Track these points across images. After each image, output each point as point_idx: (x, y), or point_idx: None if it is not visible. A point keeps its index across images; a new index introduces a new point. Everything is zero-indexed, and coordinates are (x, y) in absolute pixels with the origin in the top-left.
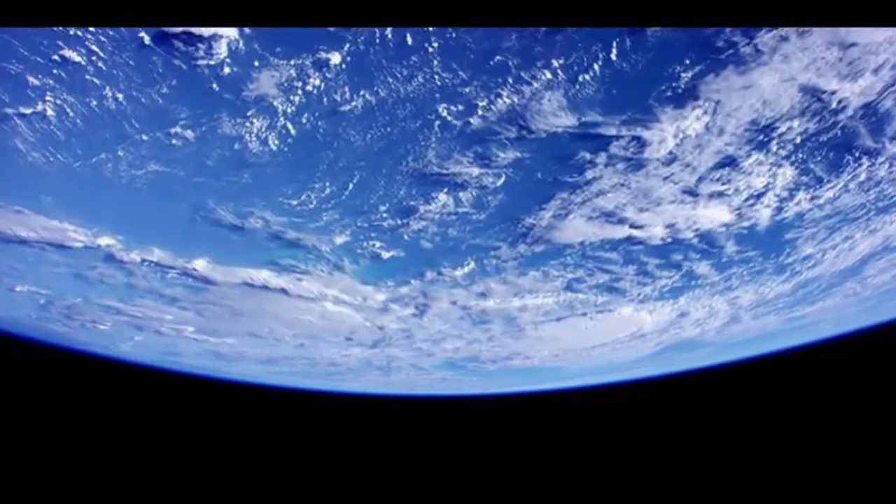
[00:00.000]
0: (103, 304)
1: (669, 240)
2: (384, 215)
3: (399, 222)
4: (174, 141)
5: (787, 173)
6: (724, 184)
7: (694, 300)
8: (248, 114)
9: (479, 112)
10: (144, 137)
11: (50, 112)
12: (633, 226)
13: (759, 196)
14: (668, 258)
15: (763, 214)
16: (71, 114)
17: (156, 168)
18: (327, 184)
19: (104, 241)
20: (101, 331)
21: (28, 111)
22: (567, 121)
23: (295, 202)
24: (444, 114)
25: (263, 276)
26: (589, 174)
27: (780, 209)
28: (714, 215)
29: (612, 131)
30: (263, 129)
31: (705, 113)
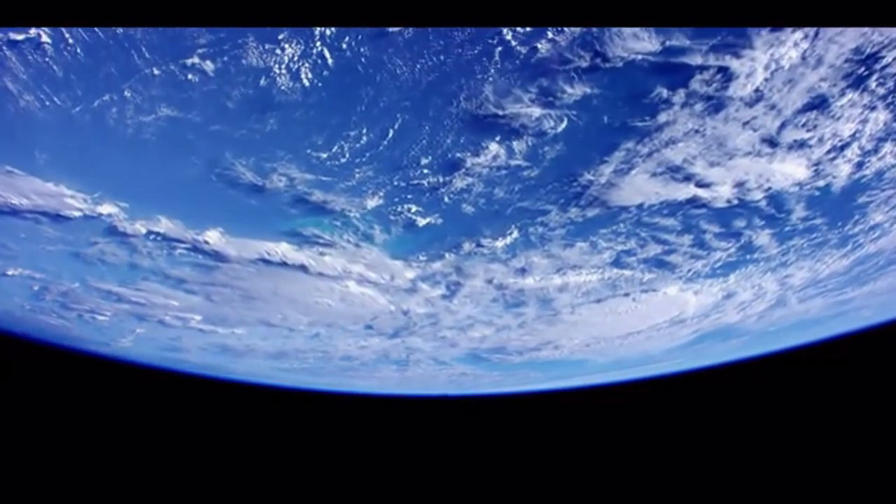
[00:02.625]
0: (103, 290)
1: (735, 202)
2: (425, 171)
3: (441, 180)
4: (190, 76)
5: (880, 118)
6: (808, 130)
7: (744, 278)
8: (280, 38)
9: (549, 34)
10: (156, 72)
11: (45, 38)
12: (699, 184)
13: (843, 147)
14: (729, 225)
15: (841, 171)
16: (70, 41)
17: (167, 112)
18: (364, 130)
19: (106, 208)
20: (99, 322)
21: (20, 37)
22: (649, 45)
23: (325, 155)
24: (508, 37)
25: (282, 249)
26: (662, 117)
27: (860, 164)
28: (790, 171)
29: (697, 60)
30: (296, 58)
31: (805, 37)
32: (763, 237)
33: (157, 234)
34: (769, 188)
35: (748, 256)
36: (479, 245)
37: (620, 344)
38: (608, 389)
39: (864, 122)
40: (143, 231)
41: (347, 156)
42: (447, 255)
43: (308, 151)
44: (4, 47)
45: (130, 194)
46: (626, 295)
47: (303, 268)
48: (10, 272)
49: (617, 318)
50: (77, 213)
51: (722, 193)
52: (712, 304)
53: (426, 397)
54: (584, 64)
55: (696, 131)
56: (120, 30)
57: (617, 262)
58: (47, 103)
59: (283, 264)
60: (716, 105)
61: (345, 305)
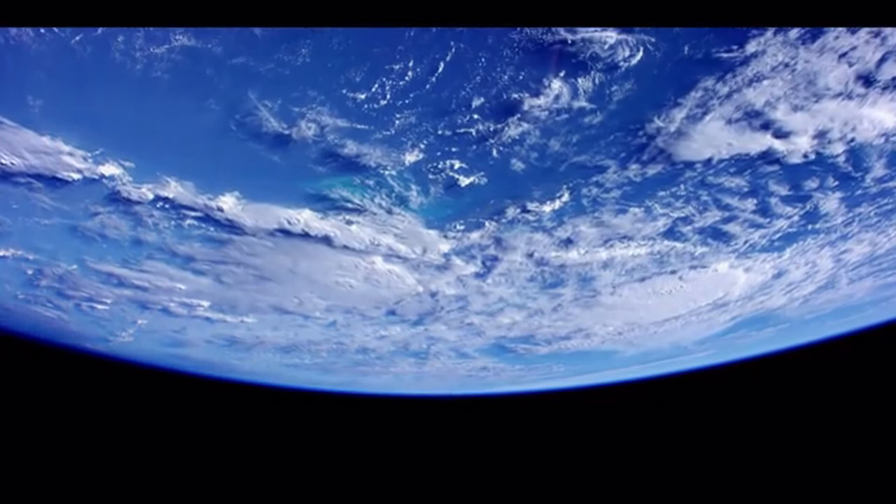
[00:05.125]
0: (103, 272)
1: (812, 156)
2: (475, 116)
3: (492, 127)
4: None
5: None
6: None
7: (800, 253)
8: None
9: None
10: None
11: None
12: (777, 133)
13: None
14: (799, 187)
15: None
16: None
17: (182, 41)
18: (410, 63)
19: (108, 169)
20: (99, 313)
21: None
22: None
23: (363, 95)
24: None
25: (304, 217)
26: (751, 46)
27: None
28: (879, 117)
29: None
30: None
31: None
32: (831, 202)
33: (166, 199)
34: (852, 139)
35: (810, 226)
36: (524, 210)
37: (654, 332)
38: (631, 386)
39: None
40: (150, 197)
41: (388, 97)
42: (488, 223)
43: (343, 91)
44: None
45: (137, 151)
46: (674, 272)
47: (326, 240)
48: (1, 253)
49: (658, 299)
50: (76, 176)
51: (799, 146)
52: (760, 285)
53: (440, 398)
54: None
55: (786, 65)
56: None
57: (670, 232)
58: (42, 31)
59: (305, 235)
60: (814, 31)
61: (368, 286)
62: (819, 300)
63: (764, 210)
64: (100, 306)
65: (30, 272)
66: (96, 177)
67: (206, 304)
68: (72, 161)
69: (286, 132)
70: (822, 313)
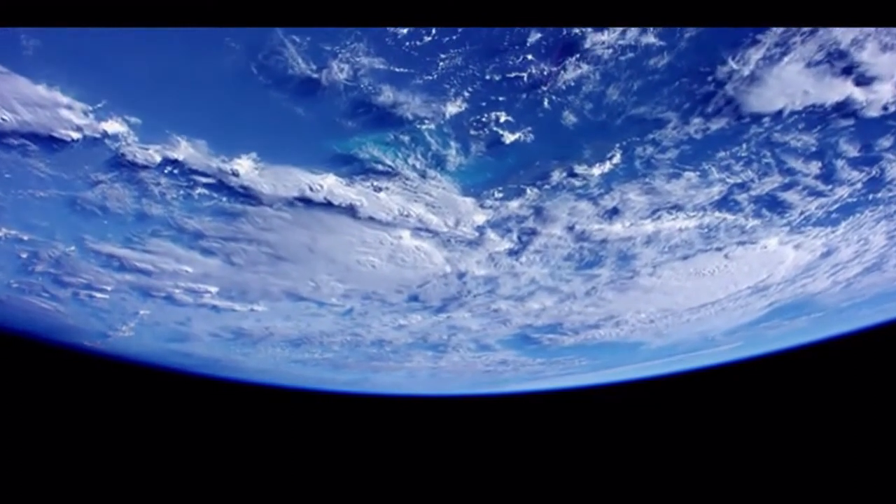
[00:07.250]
0: (104, 253)
1: (892, 109)
2: (529, 57)
3: (547, 71)
4: None
5: None
6: None
7: (855, 228)
8: None
9: None
10: None
11: None
12: (859, 80)
13: None
14: (870, 147)
15: None
16: None
17: None
18: None
19: (112, 126)
20: (98, 303)
21: None
22: None
23: (405, 30)
24: None
25: (328, 184)
26: None
27: None
28: None
29: None
30: None
31: None
32: None
33: (175, 163)
34: None
35: (871, 196)
36: (571, 174)
37: (687, 320)
38: (652, 384)
39: None
40: (158, 160)
41: (434, 33)
42: (529, 189)
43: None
44: None
45: (144, 103)
46: (720, 249)
47: (350, 210)
48: None
49: (698, 281)
50: (76, 135)
51: (880, 95)
52: (806, 265)
53: (454, 397)
54: None
55: None
56: None
57: (724, 201)
58: None
59: (327, 205)
60: None
61: (392, 266)
62: (861, 284)
63: (827, 175)
64: (99, 295)
65: (24, 256)
66: (98, 135)
67: (213, 289)
68: (71, 116)
69: (315, 76)
70: (860, 300)
